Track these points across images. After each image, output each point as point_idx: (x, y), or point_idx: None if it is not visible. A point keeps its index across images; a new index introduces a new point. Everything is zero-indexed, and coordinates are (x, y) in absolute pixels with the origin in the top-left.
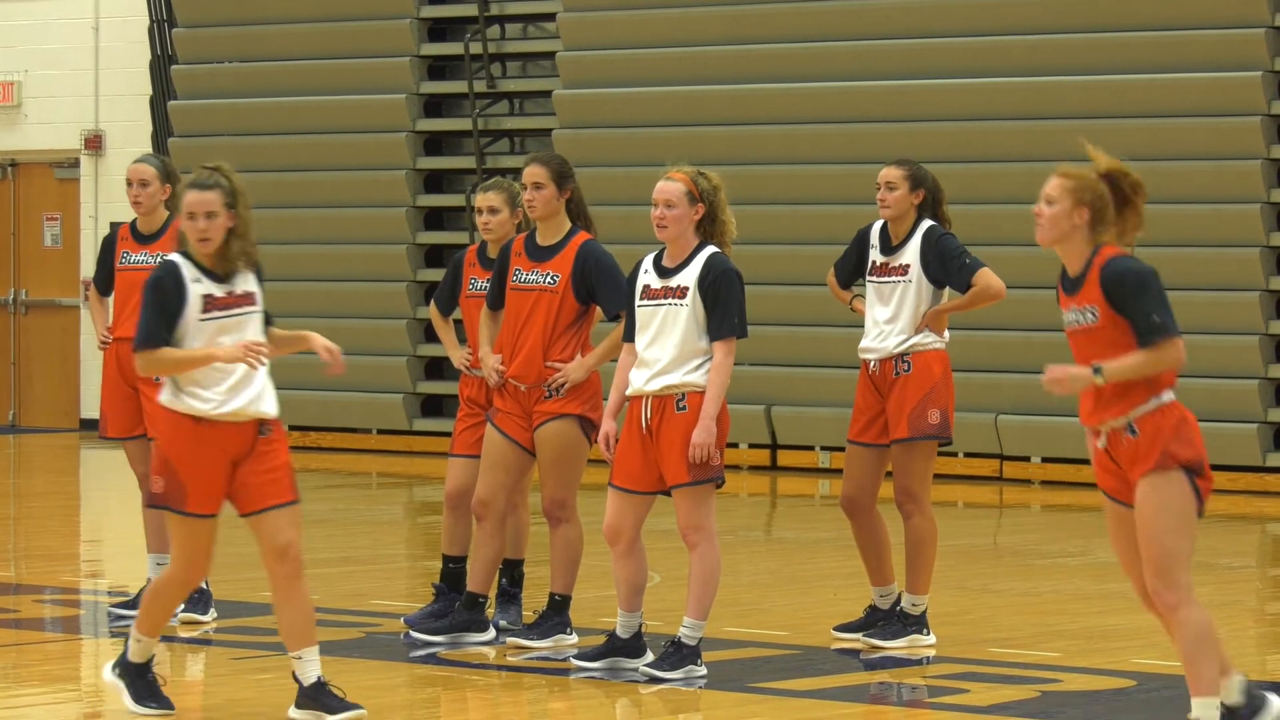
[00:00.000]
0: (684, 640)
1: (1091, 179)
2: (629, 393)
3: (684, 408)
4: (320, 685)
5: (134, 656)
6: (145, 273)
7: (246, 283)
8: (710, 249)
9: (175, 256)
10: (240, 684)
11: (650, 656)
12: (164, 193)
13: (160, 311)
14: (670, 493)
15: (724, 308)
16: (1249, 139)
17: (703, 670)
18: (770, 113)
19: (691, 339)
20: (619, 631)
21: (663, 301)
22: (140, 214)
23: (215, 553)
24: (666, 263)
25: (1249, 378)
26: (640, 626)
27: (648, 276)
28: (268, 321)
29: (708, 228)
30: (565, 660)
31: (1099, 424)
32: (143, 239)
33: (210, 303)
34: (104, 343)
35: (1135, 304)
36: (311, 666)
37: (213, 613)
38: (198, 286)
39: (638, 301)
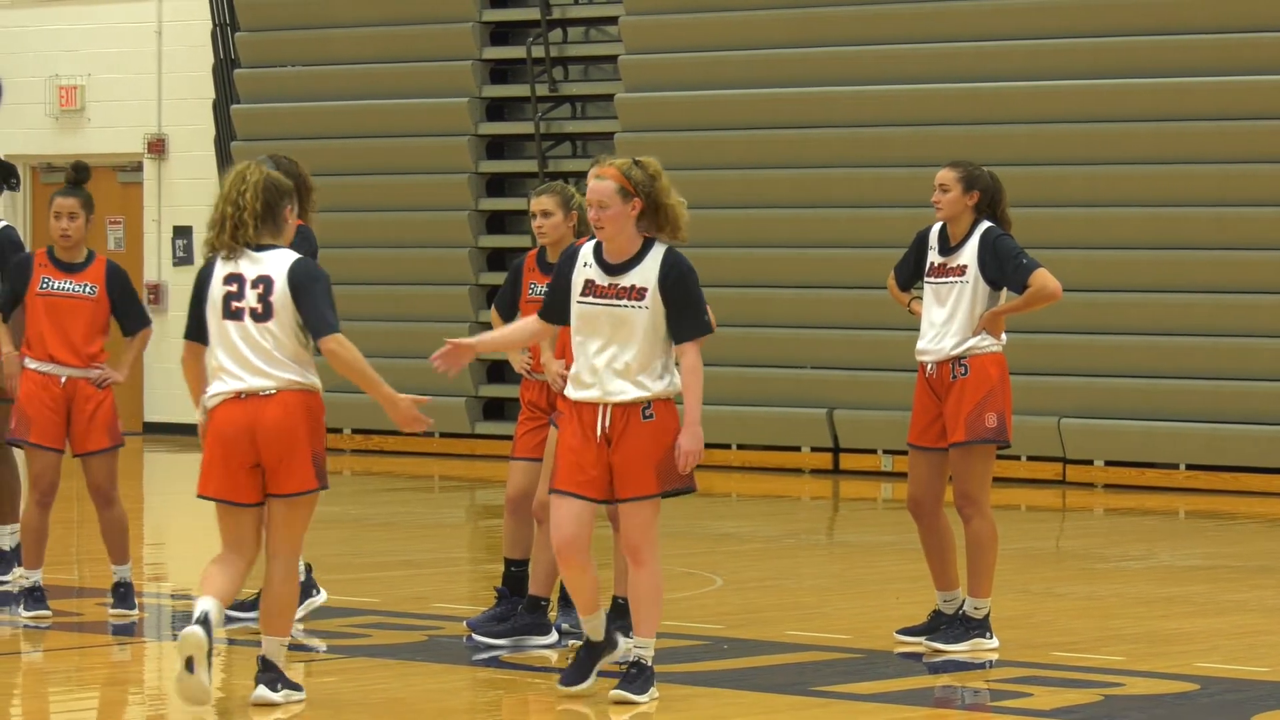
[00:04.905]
0: (643, 661)
1: None
2: (576, 397)
3: (650, 415)
4: None
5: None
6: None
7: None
8: (660, 247)
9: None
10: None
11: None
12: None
13: None
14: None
15: (691, 307)
16: None
17: (656, 692)
18: (833, 116)
19: (653, 344)
20: (592, 635)
21: (615, 302)
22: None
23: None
24: (609, 259)
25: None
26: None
27: (590, 271)
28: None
29: (652, 219)
30: (623, 664)
31: None
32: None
33: None
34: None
35: None
36: None
37: None
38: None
39: (578, 296)
